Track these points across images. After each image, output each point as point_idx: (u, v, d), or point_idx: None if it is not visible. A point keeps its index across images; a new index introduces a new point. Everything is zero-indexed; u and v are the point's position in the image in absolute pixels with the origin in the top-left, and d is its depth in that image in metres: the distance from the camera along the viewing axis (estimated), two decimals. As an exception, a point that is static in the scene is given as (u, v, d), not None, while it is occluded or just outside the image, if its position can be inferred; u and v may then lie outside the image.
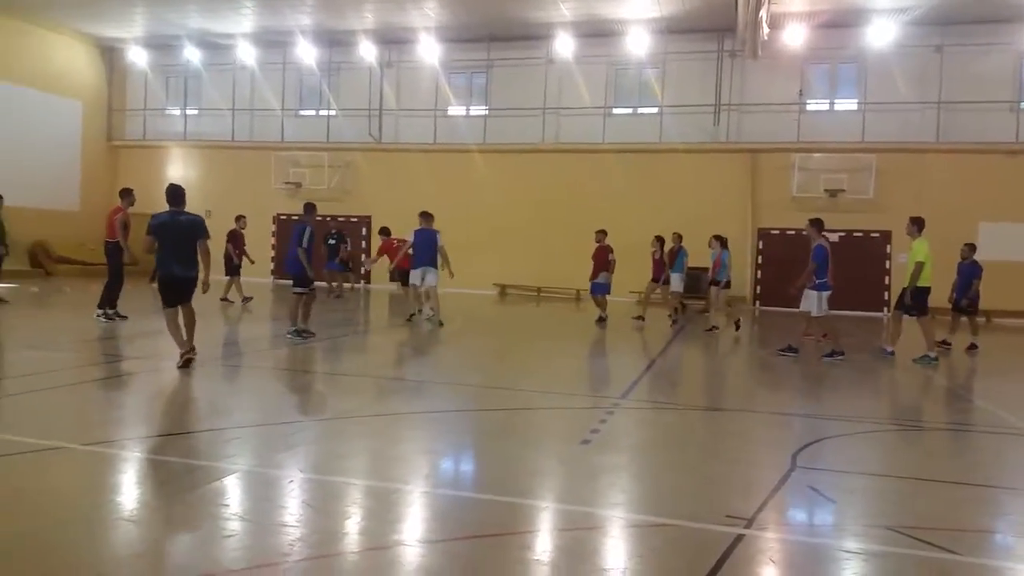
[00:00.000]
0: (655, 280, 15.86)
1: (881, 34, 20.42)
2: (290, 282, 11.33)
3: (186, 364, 8.06)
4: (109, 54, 27.86)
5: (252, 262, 17.57)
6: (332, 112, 26.05)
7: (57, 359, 8.84)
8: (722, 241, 14.69)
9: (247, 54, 25.92)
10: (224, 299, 16.09)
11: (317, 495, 4.41)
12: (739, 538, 3.90)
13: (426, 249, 13.49)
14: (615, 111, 23.81)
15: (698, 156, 22.73)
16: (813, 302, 10.91)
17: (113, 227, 12.48)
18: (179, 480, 4.60)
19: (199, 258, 8.30)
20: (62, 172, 25.75)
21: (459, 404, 7.32)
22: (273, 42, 25.50)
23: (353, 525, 3.94)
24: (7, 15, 23.87)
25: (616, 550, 3.88)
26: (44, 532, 3.69)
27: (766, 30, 19.43)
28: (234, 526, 3.82)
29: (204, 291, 8.57)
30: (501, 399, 7.65)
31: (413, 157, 25.02)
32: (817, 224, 11.33)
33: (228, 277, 16.77)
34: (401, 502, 4.37)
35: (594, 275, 15.21)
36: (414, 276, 13.71)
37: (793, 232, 20.72)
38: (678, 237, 16.10)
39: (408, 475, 4.91)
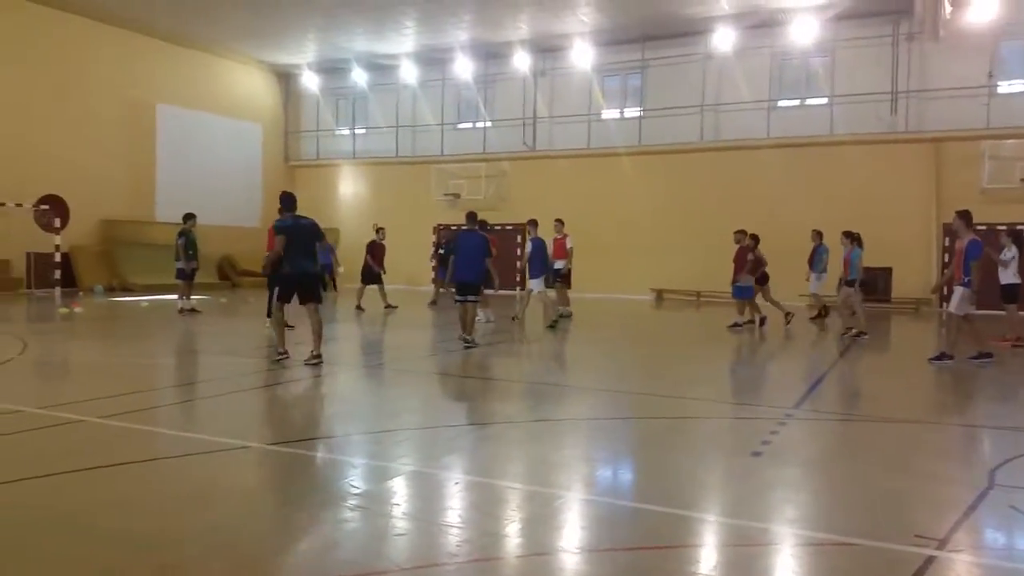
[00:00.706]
0: (757, 282, 14.71)
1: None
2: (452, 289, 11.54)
3: (315, 363, 8.81)
4: (285, 80, 30.02)
5: (383, 272, 17.87)
6: (487, 123, 26.66)
7: (242, 364, 9.55)
8: (852, 237, 13.66)
9: (409, 73, 27.08)
10: (359, 307, 16.76)
11: (482, 498, 4.43)
12: (930, 560, 3.52)
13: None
14: (779, 104, 22.73)
15: (873, 148, 21.21)
16: (957, 300, 9.87)
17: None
18: (353, 479, 4.77)
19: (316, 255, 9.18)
20: (246, 192, 27.97)
21: (620, 411, 7.16)
22: (433, 59, 26.47)
23: (518, 529, 3.91)
24: (198, 48, 26.33)
25: (792, 569, 3.60)
26: (233, 525, 3.93)
27: (948, 8, 17.86)
28: (404, 525, 3.90)
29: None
30: (663, 407, 7.42)
31: (566, 163, 25.10)
32: (965, 217, 10.15)
33: (361, 285, 17.44)
34: (564, 508, 4.30)
35: (735, 278, 14.43)
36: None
37: (985, 227, 18.84)
38: (818, 235, 15.51)
39: (570, 481, 4.83)
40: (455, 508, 4.27)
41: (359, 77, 27.87)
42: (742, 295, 14.45)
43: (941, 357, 9.94)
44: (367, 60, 27.17)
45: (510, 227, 25.07)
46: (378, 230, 18.19)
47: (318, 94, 29.41)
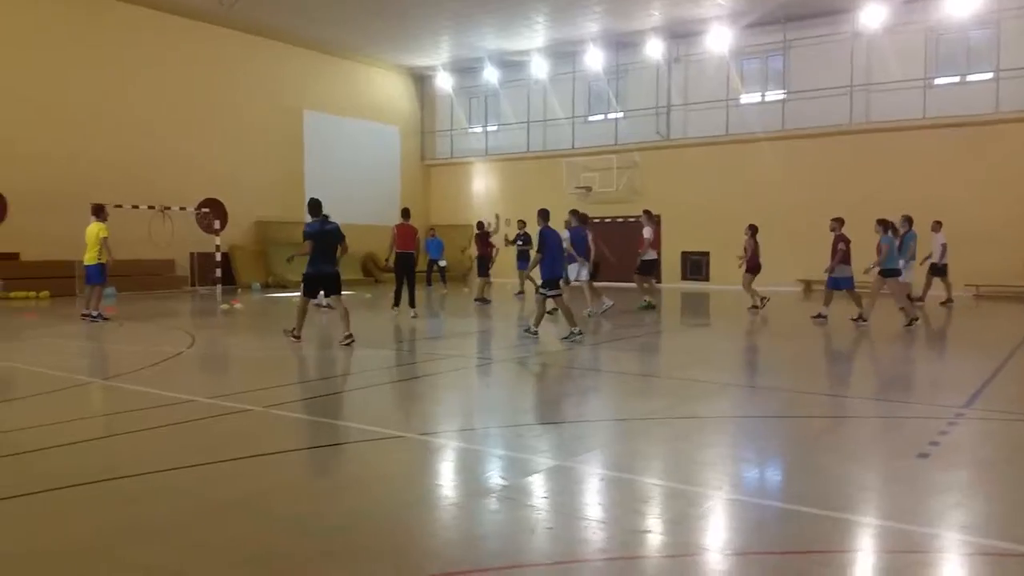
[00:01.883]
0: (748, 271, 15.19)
1: None
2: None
3: (348, 343, 10.08)
4: (420, 82, 30.92)
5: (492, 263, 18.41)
6: (619, 114, 26.35)
7: (385, 356, 9.92)
8: (885, 225, 13.02)
9: (539, 68, 27.21)
10: (479, 299, 16.91)
11: (627, 494, 4.36)
12: None
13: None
14: (937, 82, 21.13)
15: (1045, 125, 19.35)
16: None
17: (406, 239, 14.50)
18: (499, 471, 4.83)
19: (338, 255, 10.53)
20: (385, 191, 29.05)
21: (769, 409, 6.88)
22: (563, 53, 26.47)
23: (665, 528, 3.82)
24: (340, 56, 27.61)
25: (974, 583, 3.32)
26: (386, 512, 4.07)
27: None
28: (550, 519, 3.90)
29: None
30: (817, 405, 7.06)
31: (702, 151, 24.43)
32: None
33: (480, 279, 17.78)
34: (712, 508, 4.17)
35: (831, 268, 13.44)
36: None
37: None
38: (907, 221, 15.27)
39: (718, 480, 4.68)
40: (601, 504, 4.23)
41: (490, 75, 28.29)
42: (832, 286, 13.60)
43: None
44: (498, 58, 27.53)
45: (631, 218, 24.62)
46: (485, 224, 18.88)
47: (451, 94, 30.10)
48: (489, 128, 29.83)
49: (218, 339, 12.15)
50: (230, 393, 7.16)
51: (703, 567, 3.41)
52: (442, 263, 21.97)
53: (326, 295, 10.67)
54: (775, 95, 23.57)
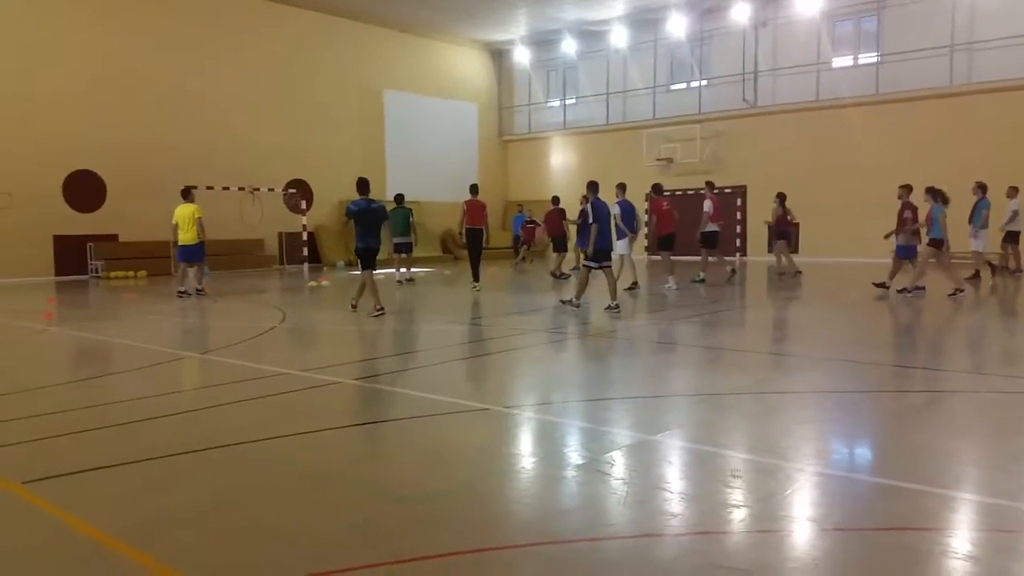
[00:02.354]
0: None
1: None
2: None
3: (379, 314, 10.75)
4: (498, 57, 30.79)
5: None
6: (702, 83, 25.63)
7: (466, 332, 9.97)
8: (935, 194, 12.43)
9: (619, 37, 26.70)
10: (558, 274, 17.03)
11: (720, 468, 4.23)
12: None
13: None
14: (1048, 37, 19.73)
15: None
16: None
17: (474, 214, 15.11)
18: (588, 443, 4.77)
19: (383, 233, 11.11)
20: (463, 168, 29.17)
21: (866, 384, 6.58)
22: (644, 21, 25.88)
23: (763, 503, 3.68)
24: (419, 34, 27.75)
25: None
26: (475, 482, 4.07)
27: None
28: (639, 491, 3.81)
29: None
30: (915, 379, 6.72)
31: (792, 118, 23.55)
32: None
33: (556, 253, 17.93)
34: (810, 483, 3.99)
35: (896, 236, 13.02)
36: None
37: None
38: (980, 188, 15.28)
39: (818, 456, 4.49)
40: (692, 477, 4.12)
41: (568, 47, 27.92)
42: (902, 255, 13.06)
43: None
44: (577, 29, 27.13)
45: (728, 190, 24.02)
46: (554, 199, 18.84)
47: (529, 68, 29.88)
48: (567, 101, 29.51)
49: (306, 315, 12.47)
50: (320, 366, 7.31)
51: (804, 543, 3.27)
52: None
53: (367, 268, 11.09)
54: (868, 58, 22.46)
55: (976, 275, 15.04)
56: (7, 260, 18.99)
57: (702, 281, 15.43)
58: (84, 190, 20.36)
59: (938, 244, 12.29)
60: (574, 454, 4.57)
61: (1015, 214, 15.74)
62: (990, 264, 15.93)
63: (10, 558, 3.18)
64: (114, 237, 20.87)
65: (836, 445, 4.77)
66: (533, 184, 30.02)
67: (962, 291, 12.21)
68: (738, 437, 4.96)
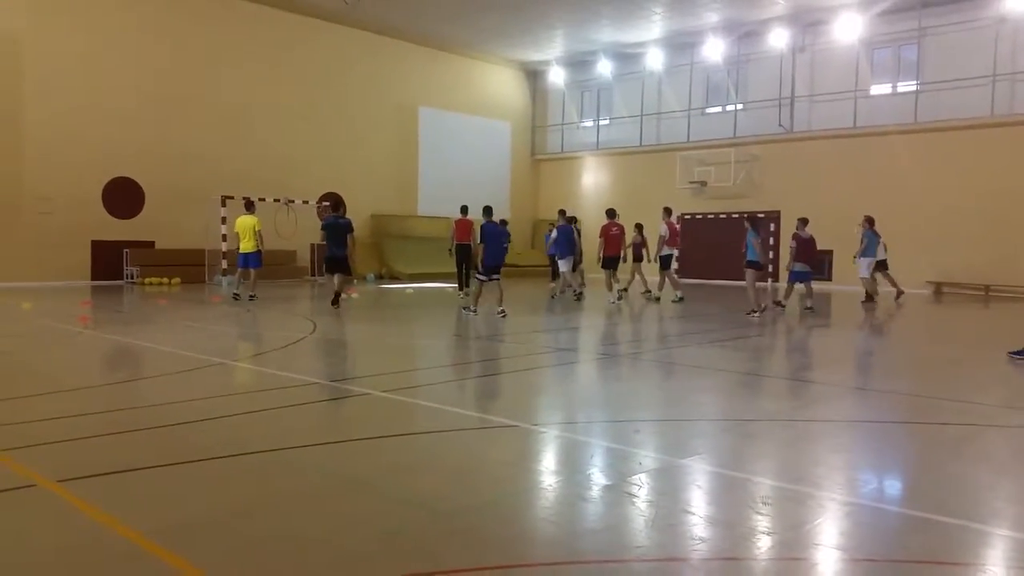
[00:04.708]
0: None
1: None
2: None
3: (335, 303, 13.46)
4: (532, 77, 31.02)
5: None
6: (738, 106, 25.57)
7: (495, 348, 9.98)
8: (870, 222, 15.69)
9: (655, 60, 26.77)
10: (563, 290, 17.63)
11: (748, 494, 4.18)
12: None
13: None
14: (1092, 69, 19.43)
15: None
16: None
17: (462, 232, 17.35)
18: (616, 465, 4.74)
19: (348, 243, 13.40)
20: (495, 186, 29.34)
21: (900, 415, 6.48)
22: (681, 44, 25.94)
23: (792, 531, 3.63)
24: (455, 52, 28.06)
25: None
26: (504, 499, 4.07)
27: None
28: (666, 514, 3.78)
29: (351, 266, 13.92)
30: (950, 411, 6.59)
31: (827, 145, 23.40)
32: None
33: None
34: (841, 513, 3.93)
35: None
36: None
37: None
38: (869, 220, 16.91)
39: (849, 486, 4.42)
40: (720, 503, 4.07)
41: (604, 68, 28.04)
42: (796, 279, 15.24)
43: None
44: (613, 50, 27.28)
45: (761, 214, 23.81)
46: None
47: (563, 88, 30.05)
48: (601, 122, 29.59)
49: (337, 326, 12.57)
50: (350, 377, 7.37)
51: (834, 571, 3.23)
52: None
53: (331, 272, 13.69)
54: (907, 85, 22.27)
55: (869, 298, 16.81)
56: (47, 264, 19.43)
57: (680, 300, 16.58)
58: (123, 197, 20.79)
59: (755, 266, 13.70)
60: (605, 475, 4.54)
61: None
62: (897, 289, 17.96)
63: (46, 556, 3.24)
64: (151, 244, 21.26)
65: (871, 475, 4.69)
66: (564, 203, 29.98)
67: (756, 312, 13.51)
68: (772, 464, 4.90)
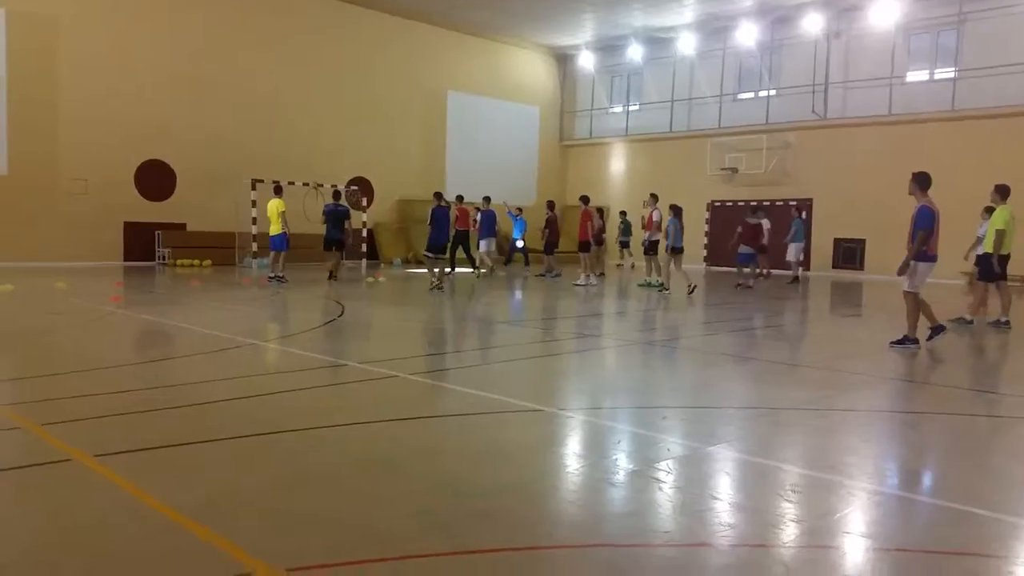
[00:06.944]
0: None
1: None
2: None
3: (332, 277, 15.92)
4: (562, 61, 30.80)
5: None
6: (771, 92, 25.21)
7: (519, 333, 9.98)
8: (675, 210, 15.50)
9: (687, 44, 26.44)
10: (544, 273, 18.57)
11: (779, 482, 4.16)
12: None
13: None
14: None
15: None
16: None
17: (463, 219, 18.55)
18: (646, 450, 4.74)
19: (345, 227, 16.00)
20: (522, 171, 29.29)
21: (932, 405, 6.40)
22: (713, 28, 25.60)
23: (824, 520, 3.60)
24: (484, 36, 27.95)
25: None
26: (531, 481, 4.09)
27: None
28: (695, 500, 3.77)
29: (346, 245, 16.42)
30: (983, 403, 6.49)
31: (862, 132, 23.01)
32: (920, 180, 8.66)
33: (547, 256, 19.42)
34: (872, 503, 3.89)
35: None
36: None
37: None
38: (797, 208, 18.39)
39: (882, 476, 4.37)
40: (750, 490, 4.05)
41: (635, 53, 27.76)
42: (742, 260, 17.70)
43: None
44: (644, 35, 26.98)
45: (793, 202, 23.57)
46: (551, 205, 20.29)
47: (593, 73, 29.81)
48: (631, 107, 29.34)
49: (364, 309, 12.66)
50: (378, 360, 7.42)
51: (864, 560, 3.20)
52: (519, 244, 22.23)
53: (328, 249, 15.97)
54: (945, 72, 21.79)
55: (795, 279, 19.27)
56: (80, 244, 19.77)
57: (657, 286, 16.43)
58: (155, 180, 21.06)
59: (677, 251, 15.19)
60: (628, 459, 4.54)
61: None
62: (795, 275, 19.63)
63: (82, 531, 3.31)
64: (182, 226, 21.53)
65: (904, 465, 4.64)
66: (592, 189, 29.75)
67: (667, 289, 15.16)
68: (803, 453, 4.87)
